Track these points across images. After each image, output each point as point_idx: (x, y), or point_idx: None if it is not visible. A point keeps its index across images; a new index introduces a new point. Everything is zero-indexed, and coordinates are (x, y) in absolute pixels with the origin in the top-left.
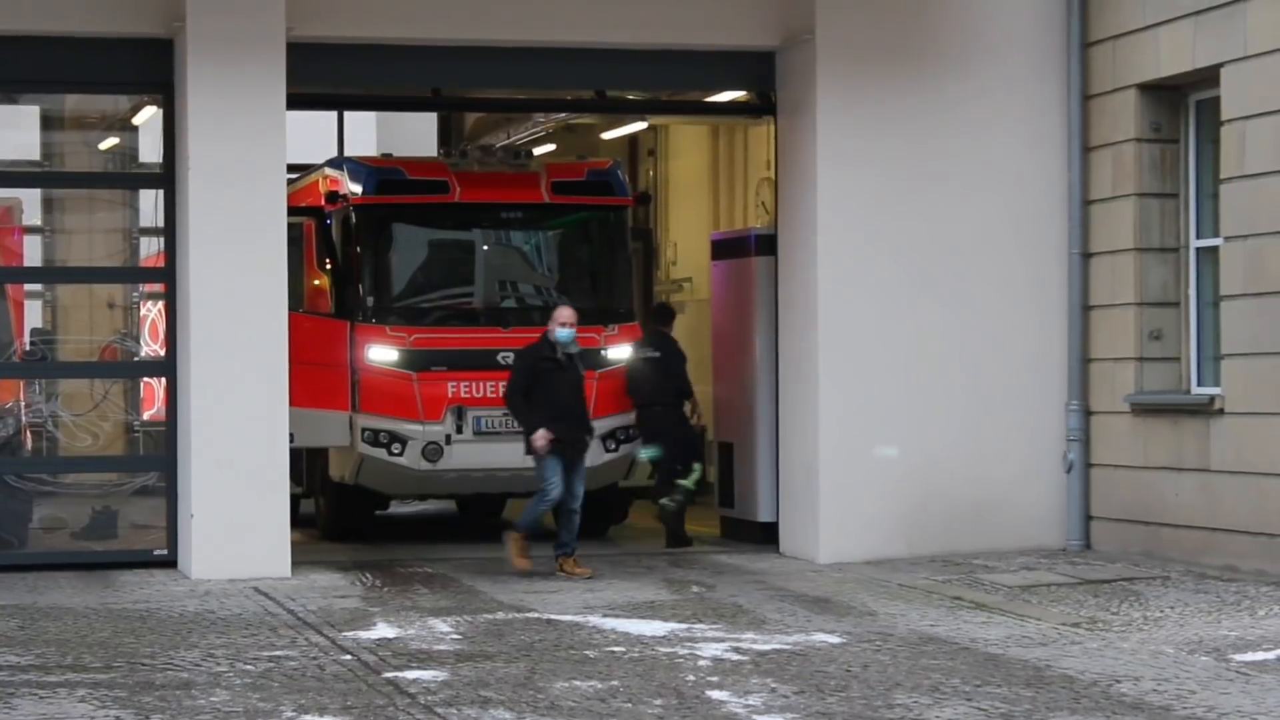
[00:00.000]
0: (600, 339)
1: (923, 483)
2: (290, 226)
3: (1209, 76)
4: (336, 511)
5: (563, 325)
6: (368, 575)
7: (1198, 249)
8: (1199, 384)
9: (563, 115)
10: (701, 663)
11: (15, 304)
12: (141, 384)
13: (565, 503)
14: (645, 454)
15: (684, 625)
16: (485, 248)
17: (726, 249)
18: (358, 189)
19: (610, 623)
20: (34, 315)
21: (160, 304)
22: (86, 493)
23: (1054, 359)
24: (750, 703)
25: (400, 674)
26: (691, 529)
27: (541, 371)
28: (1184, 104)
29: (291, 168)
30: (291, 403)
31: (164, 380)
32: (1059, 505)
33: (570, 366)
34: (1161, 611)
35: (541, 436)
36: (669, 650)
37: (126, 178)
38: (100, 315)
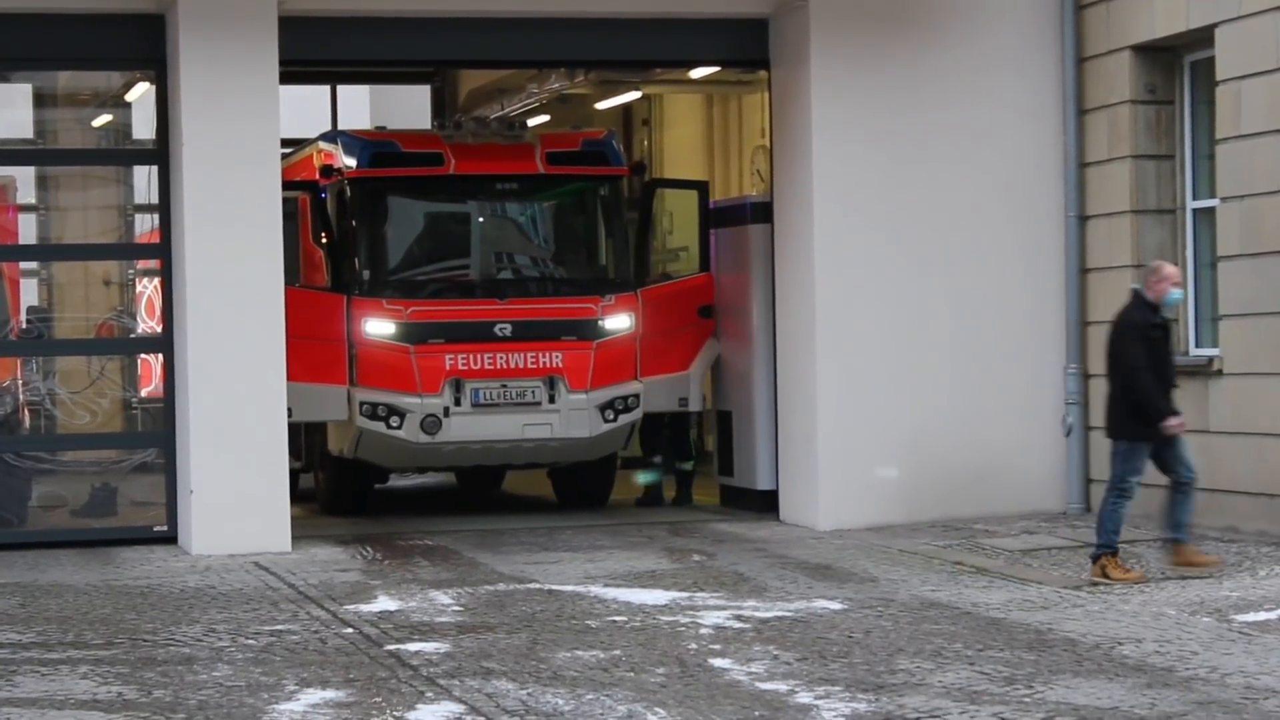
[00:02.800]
0: (597, 309)
1: (922, 448)
2: (285, 201)
3: (1203, 37)
4: (336, 485)
5: (1176, 285)
6: (368, 549)
7: (1194, 210)
8: (1197, 345)
9: (556, 85)
10: (703, 631)
11: (11, 282)
12: (139, 361)
13: (1187, 483)
14: (644, 478)
15: (685, 594)
16: (481, 219)
17: (722, 217)
18: (352, 162)
19: (611, 592)
20: (30, 293)
21: (156, 280)
22: (85, 470)
23: (1052, 322)
24: (753, 670)
25: (402, 646)
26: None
27: (1153, 340)
28: (1179, 65)
29: (285, 142)
30: (289, 377)
31: (161, 357)
32: (1059, 469)
33: (1170, 333)
34: (1163, 573)
35: (1177, 424)
36: (671, 619)
37: (120, 154)
38: (96, 292)
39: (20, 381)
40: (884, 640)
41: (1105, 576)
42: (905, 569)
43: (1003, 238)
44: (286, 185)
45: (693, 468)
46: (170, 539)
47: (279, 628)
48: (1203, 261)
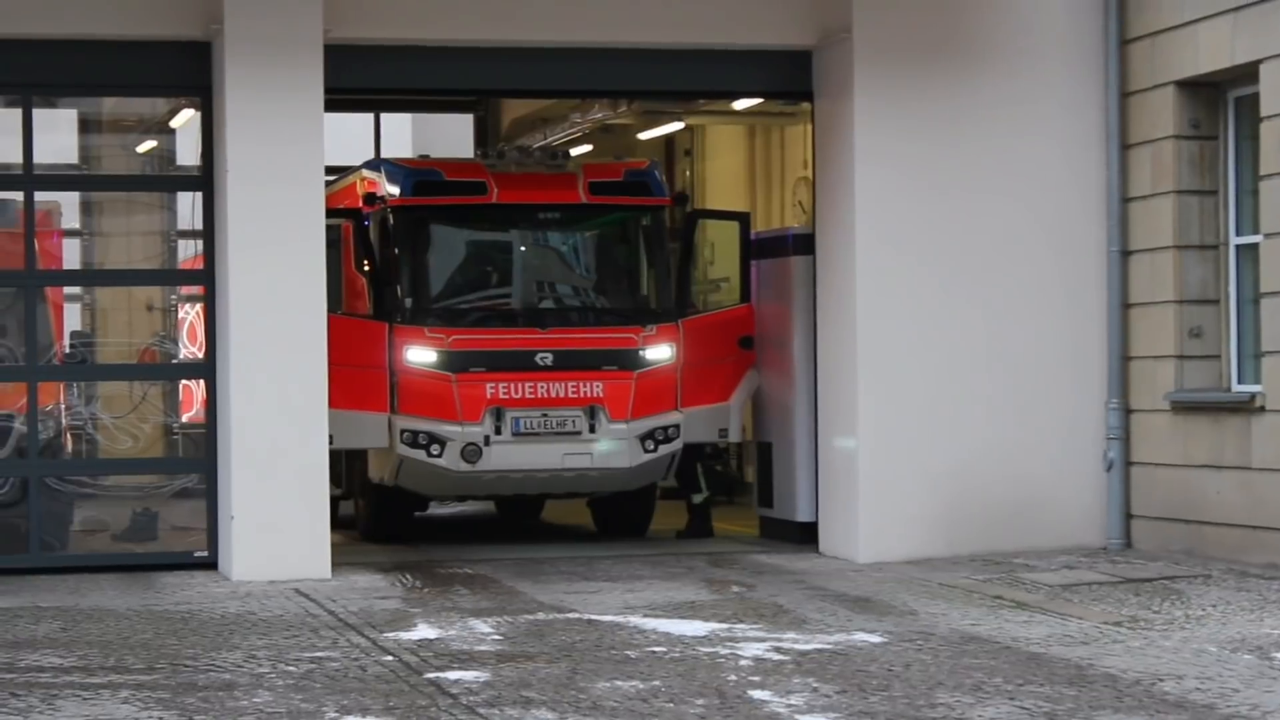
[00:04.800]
0: (639, 339)
1: (962, 481)
2: (328, 228)
3: (1248, 73)
4: (376, 513)
5: None
6: (408, 576)
7: (1237, 246)
8: (1239, 381)
9: (599, 115)
10: (743, 663)
11: (55, 307)
12: (180, 386)
13: None
14: (698, 498)
15: (725, 625)
16: (523, 248)
17: (763, 249)
18: (395, 190)
19: (651, 623)
20: (73, 318)
21: (198, 306)
22: (127, 495)
23: (1093, 357)
24: (792, 702)
25: (442, 674)
26: (730, 529)
27: None
28: (1223, 100)
29: (329, 170)
30: (330, 404)
31: (203, 382)
32: (1099, 504)
33: None
34: (1203, 610)
35: None
36: (710, 650)
37: (164, 180)
38: (139, 318)
39: (63, 406)
40: (924, 674)
41: None
42: (945, 602)
43: (1045, 271)
44: (330, 213)
45: (704, 501)
46: (211, 564)
47: (319, 654)
48: (1245, 297)
